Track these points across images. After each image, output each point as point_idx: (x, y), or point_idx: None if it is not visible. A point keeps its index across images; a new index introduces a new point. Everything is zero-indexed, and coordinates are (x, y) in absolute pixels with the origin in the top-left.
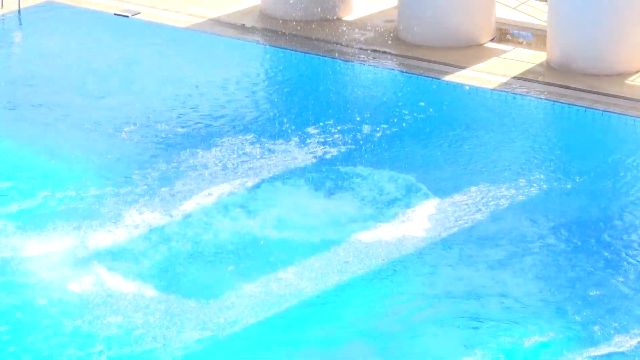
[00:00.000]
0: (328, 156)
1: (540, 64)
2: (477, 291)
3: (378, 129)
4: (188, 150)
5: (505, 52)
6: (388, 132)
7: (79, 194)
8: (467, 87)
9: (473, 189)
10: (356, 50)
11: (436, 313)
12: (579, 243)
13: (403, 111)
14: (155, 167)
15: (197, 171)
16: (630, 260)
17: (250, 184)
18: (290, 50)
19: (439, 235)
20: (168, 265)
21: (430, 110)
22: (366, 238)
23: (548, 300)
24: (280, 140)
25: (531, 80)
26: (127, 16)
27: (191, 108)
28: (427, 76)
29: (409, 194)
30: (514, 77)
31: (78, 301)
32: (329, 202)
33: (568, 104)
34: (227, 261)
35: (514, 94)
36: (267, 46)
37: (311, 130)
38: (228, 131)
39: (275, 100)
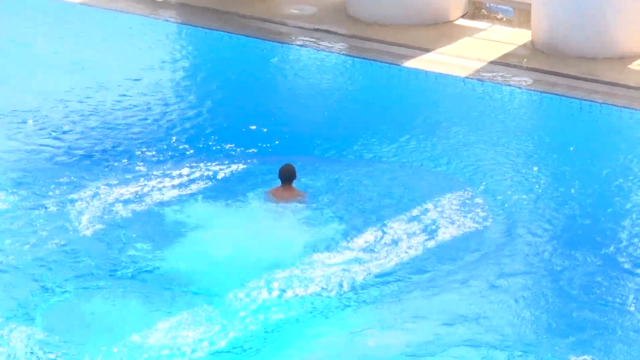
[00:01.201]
0: (270, 160)
1: (524, 46)
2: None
3: (322, 128)
4: (97, 155)
5: (479, 30)
6: (334, 131)
7: None
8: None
9: (447, 201)
10: (294, 30)
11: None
12: (594, 260)
13: (353, 105)
14: (57, 176)
15: (108, 180)
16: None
17: (178, 195)
18: (213, 30)
19: (420, 251)
20: (82, 296)
21: (388, 104)
22: (332, 257)
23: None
24: (210, 143)
25: (513, 66)
26: None
27: (96, 102)
28: (382, 61)
29: (375, 205)
30: (492, 62)
31: None
32: (278, 213)
33: (559, 94)
34: (157, 290)
35: (492, 82)
36: (184, 25)
37: (242, 130)
38: (145, 132)
39: (198, 93)
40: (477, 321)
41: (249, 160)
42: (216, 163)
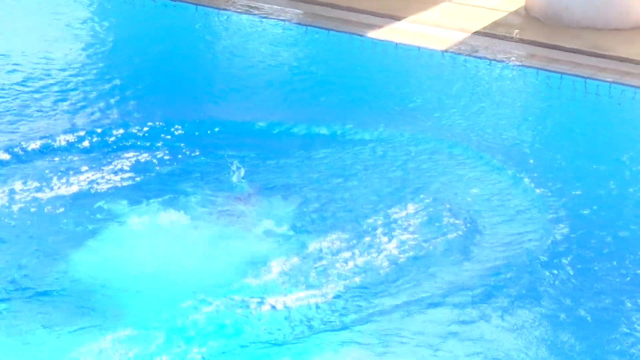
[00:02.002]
0: (207, 149)
1: (516, 13)
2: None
3: (268, 112)
4: None
5: None
6: (284, 117)
7: None
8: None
9: (431, 198)
10: None
11: None
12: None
13: (307, 85)
14: None
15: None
16: None
17: (91, 192)
18: None
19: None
20: None
21: (348, 84)
22: (294, 270)
23: None
24: (131, 126)
25: (503, 38)
26: None
27: None
28: (342, 32)
29: (343, 201)
30: (477, 33)
31: None
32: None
33: (560, 72)
34: (66, 311)
35: (477, 58)
36: None
37: (172, 114)
38: (50, 115)
39: (116, 68)
40: (476, 343)
41: (180, 147)
42: (138, 151)
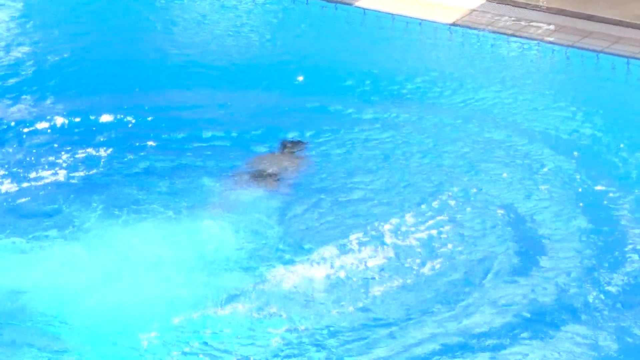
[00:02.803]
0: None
1: None
2: None
3: (247, 95)
4: None
5: None
6: (262, 98)
7: None
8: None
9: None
10: None
11: None
12: None
13: (283, 61)
14: None
15: None
16: None
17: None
18: None
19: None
20: None
21: (333, 61)
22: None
23: None
24: (80, 116)
25: (525, 7)
26: None
27: None
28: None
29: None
30: (492, 1)
31: None
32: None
33: (594, 50)
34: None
35: (493, 33)
36: None
37: (130, 98)
38: None
39: (54, 46)
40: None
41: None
42: (91, 146)
